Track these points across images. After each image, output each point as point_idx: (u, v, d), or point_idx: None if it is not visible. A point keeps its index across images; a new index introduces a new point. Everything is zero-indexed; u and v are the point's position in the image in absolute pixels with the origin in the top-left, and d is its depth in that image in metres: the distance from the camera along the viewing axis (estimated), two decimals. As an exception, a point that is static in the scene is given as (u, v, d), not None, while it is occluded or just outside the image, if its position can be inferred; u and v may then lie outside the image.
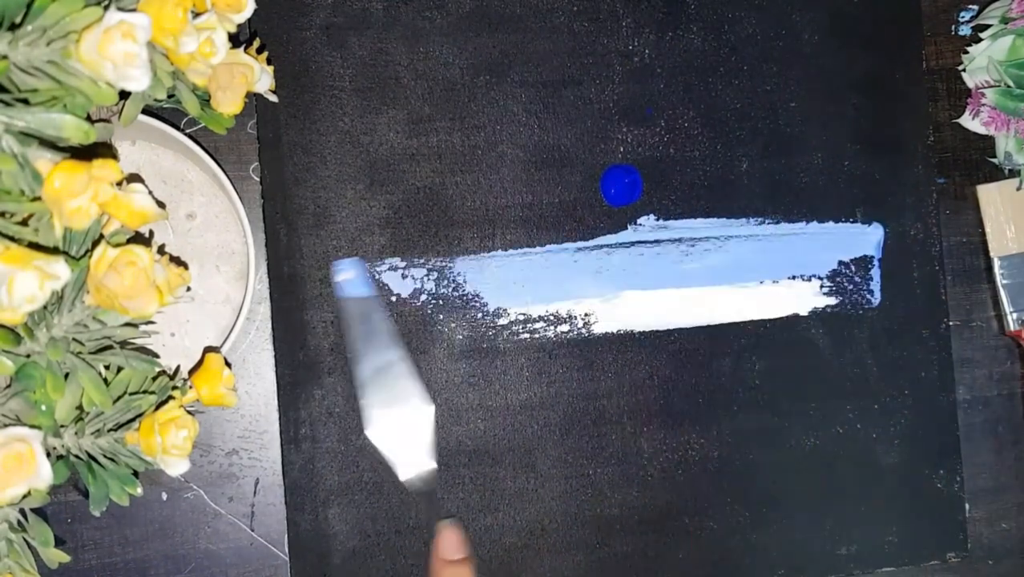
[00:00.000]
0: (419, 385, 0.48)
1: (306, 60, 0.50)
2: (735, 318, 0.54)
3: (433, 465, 0.48)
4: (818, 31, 0.56)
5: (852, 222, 0.56)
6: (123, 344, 0.40)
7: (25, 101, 0.33)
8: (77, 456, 0.40)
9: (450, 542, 0.43)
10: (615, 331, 0.53)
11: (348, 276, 0.49)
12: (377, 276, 0.50)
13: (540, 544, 0.52)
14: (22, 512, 0.39)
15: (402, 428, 0.48)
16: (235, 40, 0.40)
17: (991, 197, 0.57)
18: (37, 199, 0.33)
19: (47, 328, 0.37)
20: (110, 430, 0.40)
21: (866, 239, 0.56)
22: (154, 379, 0.42)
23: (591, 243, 0.53)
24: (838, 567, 0.55)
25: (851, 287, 0.56)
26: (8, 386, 0.37)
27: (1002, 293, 0.57)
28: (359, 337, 0.48)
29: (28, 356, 0.37)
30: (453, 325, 0.51)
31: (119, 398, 0.40)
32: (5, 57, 0.33)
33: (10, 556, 0.38)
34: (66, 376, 0.38)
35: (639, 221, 0.53)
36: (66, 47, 0.33)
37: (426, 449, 0.48)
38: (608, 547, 0.53)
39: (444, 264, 0.51)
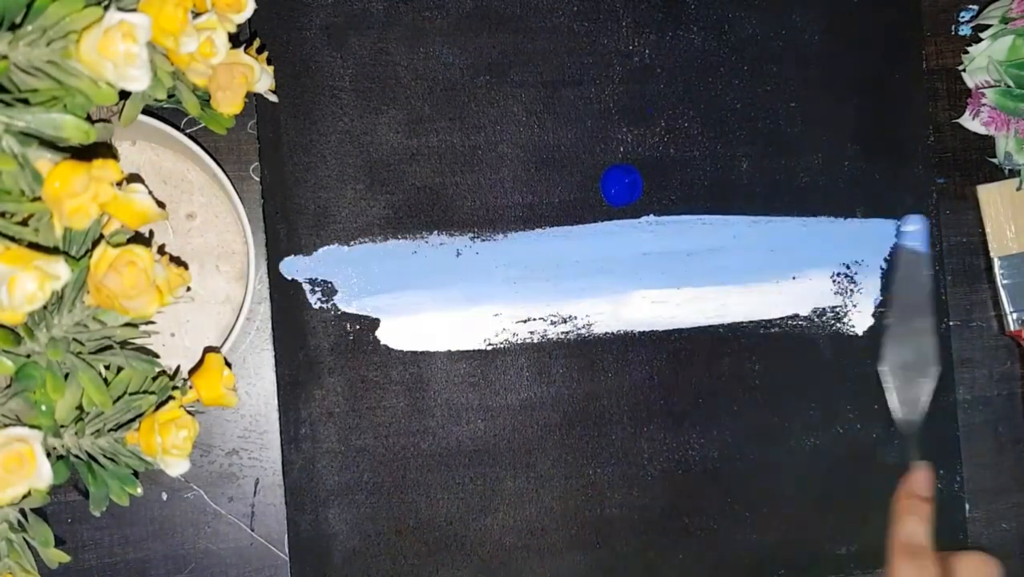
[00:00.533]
0: (932, 346, 0.52)
1: (306, 60, 0.50)
2: (735, 318, 0.54)
3: (922, 415, 0.52)
4: (818, 31, 0.56)
5: (852, 220, 0.56)
6: (123, 344, 0.40)
7: (25, 101, 0.33)
8: (77, 456, 0.40)
9: (923, 479, 0.46)
10: (615, 331, 0.53)
11: (914, 228, 0.53)
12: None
13: (540, 544, 0.52)
14: (22, 512, 0.39)
15: (909, 374, 0.52)
16: (235, 40, 0.40)
17: (991, 197, 0.57)
18: (37, 199, 0.33)
19: (47, 328, 0.37)
20: (110, 430, 0.40)
21: (866, 239, 0.56)
22: (154, 379, 0.42)
23: (591, 243, 0.53)
24: (838, 567, 0.55)
25: (851, 287, 0.56)
26: (8, 386, 0.37)
27: (1002, 293, 0.57)
28: (900, 286, 0.53)
29: (28, 356, 0.37)
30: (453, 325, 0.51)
31: (119, 398, 0.40)
32: (5, 57, 0.33)
33: (10, 556, 0.38)
34: (66, 376, 0.38)
35: (639, 221, 0.53)
36: (66, 47, 0.33)
37: (922, 400, 0.52)
38: (608, 547, 0.53)
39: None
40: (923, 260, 0.53)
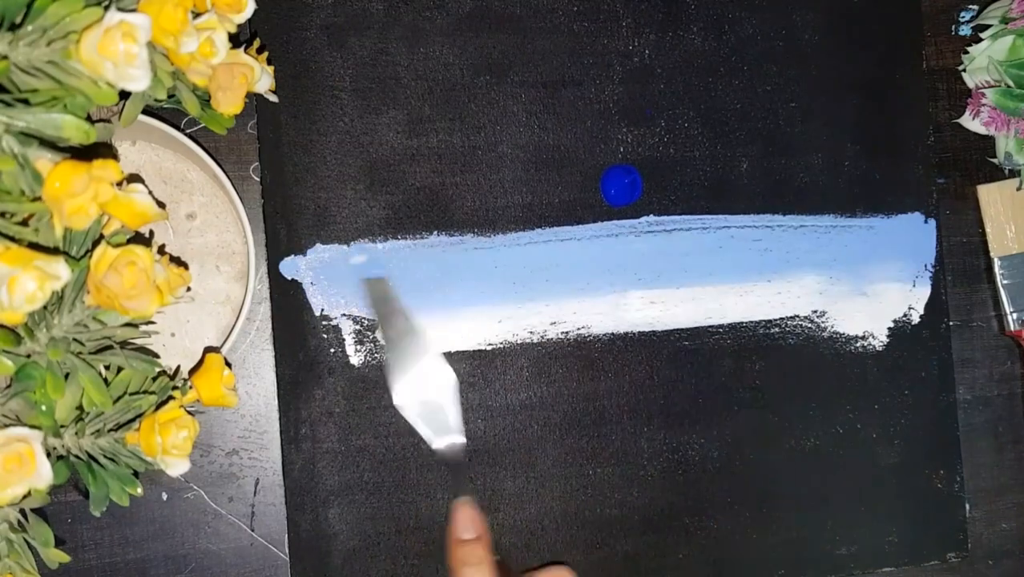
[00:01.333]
0: (441, 364, 0.48)
1: (306, 60, 0.50)
2: (735, 318, 0.54)
3: (461, 439, 0.47)
4: (818, 31, 0.56)
5: (852, 220, 0.56)
6: (123, 344, 0.40)
7: (25, 101, 0.33)
8: (77, 456, 0.40)
9: (464, 520, 0.41)
10: (615, 331, 0.53)
11: (361, 259, 0.50)
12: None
13: (540, 544, 0.52)
14: (22, 512, 0.39)
15: (427, 400, 0.48)
16: (235, 40, 0.40)
17: (991, 197, 0.57)
18: (37, 199, 0.33)
19: (47, 328, 0.37)
20: (110, 430, 0.40)
21: (866, 239, 0.56)
22: (154, 379, 0.42)
23: (591, 243, 0.53)
24: (838, 567, 0.55)
25: (851, 287, 0.56)
26: (8, 386, 0.37)
27: (1002, 293, 0.57)
28: (380, 316, 0.49)
29: (28, 356, 0.37)
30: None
31: (119, 398, 0.40)
32: (5, 57, 0.33)
33: (10, 556, 0.38)
34: (66, 376, 0.38)
35: (639, 221, 0.53)
36: (66, 47, 0.33)
37: (453, 421, 0.47)
38: (608, 547, 0.53)
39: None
40: (387, 284, 0.50)
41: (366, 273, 0.50)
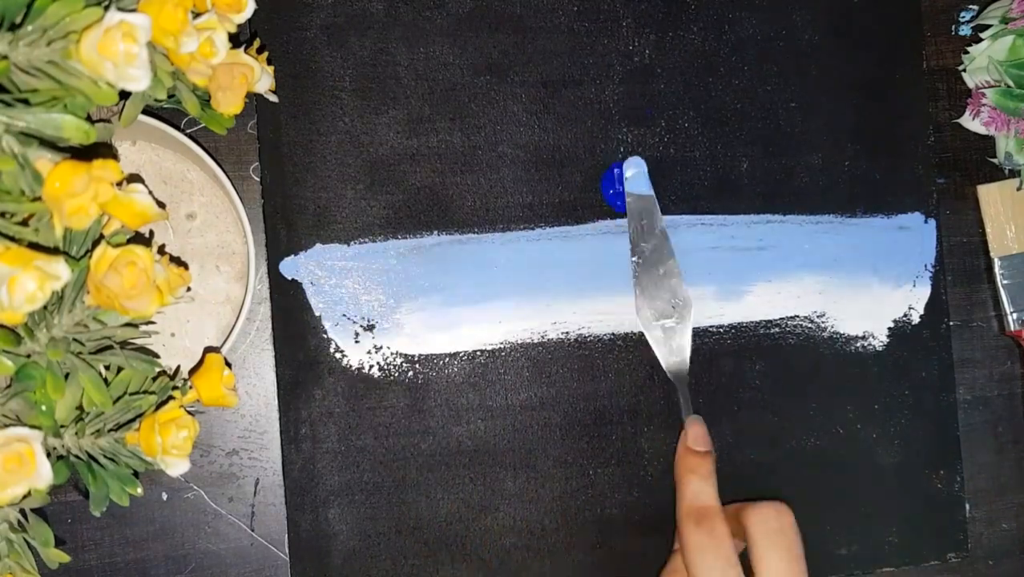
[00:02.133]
0: (682, 286, 0.52)
1: (306, 60, 0.50)
2: (735, 318, 0.54)
3: (687, 361, 0.51)
4: (818, 31, 0.56)
5: (852, 220, 0.56)
6: (123, 344, 0.40)
7: (25, 101, 0.33)
8: (77, 456, 0.40)
9: (698, 433, 0.44)
10: (615, 331, 0.53)
11: (635, 172, 0.52)
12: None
13: (540, 544, 0.52)
14: (22, 512, 0.39)
15: (665, 323, 0.51)
16: (235, 40, 0.40)
17: (992, 197, 0.57)
18: (37, 199, 0.33)
19: (47, 328, 0.37)
20: (110, 430, 0.40)
21: (866, 239, 0.56)
22: (154, 379, 0.42)
23: (592, 243, 0.53)
24: (838, 567, 0.55)
25: (851, 287, 0.56)
26: (8, 386, 0.37)
27: (1002, 293, 0.57)
28: (637, 232, 0.52)
29: (28, 356, 0.37)
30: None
31: (119, 398, 0.40)
32: (5, 57, 0.33)
33: (10, 556, 0.38)
34: (66, 376, 0.38)
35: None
36: (66, 47, 0.33)
37: (684, 345, 0.52)
38: (608, 547, 0.53)
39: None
40: (651, 202, 0.52)
41: (634, 188, 0.52)
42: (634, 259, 0.51)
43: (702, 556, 0.37)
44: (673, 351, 0.51)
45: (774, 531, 0.39)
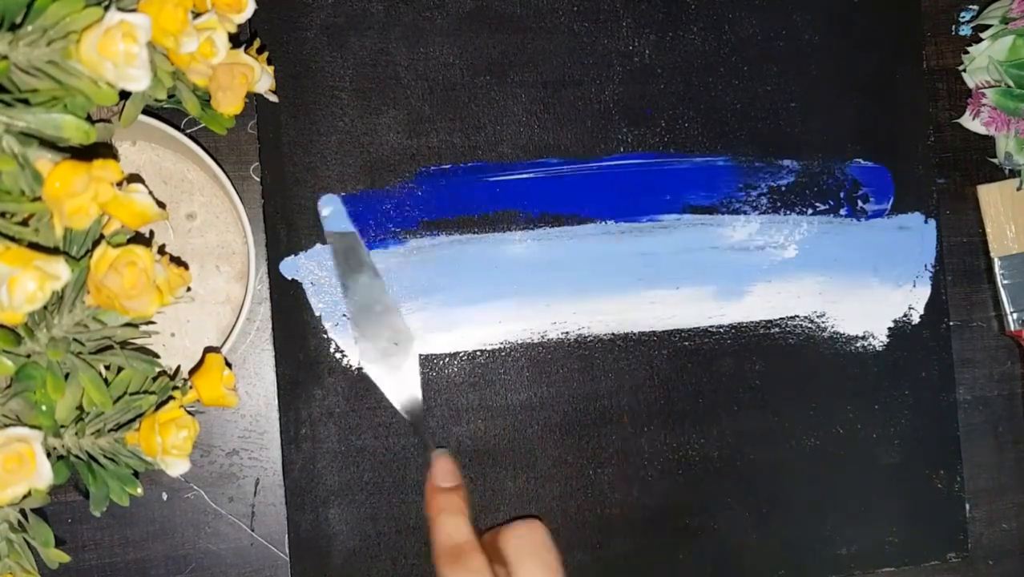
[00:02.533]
0: (400, 320, 0.50)
1: (306, 60, 0.50)
2: (735, 318, 0.54)
3: (418, 395, 0.50)
4: (818, 31, 0.56)
5: (852, 220, 0.56)
6: (123, 344, 0.40)
7: (25, 101, 0.33)
8: (77, 456, 0.40)
9: (443, 470, 0.43)
10: (615, 331, 0.53)
11: (329, 211, 0.50)
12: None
13: (540, 544, 0.52)
14: (22, 512, 0.39)
15: (389, 360, 0.49)
16: (235, 40, 0.40)
17: (992, 197, 0.57)
18: (37, 199, 0.33)
19: (47, 328, 0.37)
20: (110, 430, 0.40)
21: (866, 239, 0.56)
22: (154, 379, 0.42)
23: (592, 243, 0.53)
24: (838, 567, 0.55)
25: (851, 287, 0.56)
26: (8, 386, 0.37)
27: (1002, 293, 0.57)
28: (345, 272, 0.49)
29: (28, 356, 0.37)
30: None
31: (119, 398, 0.40)
32: (5, 57, 0.33)
33: (10, 556, 0.38)
34: (66, 376, 0.38)
35: (640, 221, 0.53)
36: (66, 47, 0.33)
37: (412, 380, 0.50)
38: (608, 547, 0.53)
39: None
40: (353, 239, 0.50)
41: (333, 227, 0.50)
42: (346, 298, 0.49)
43: None
44: (402, 386, 0.49)
45: (527, 546, 0.40)
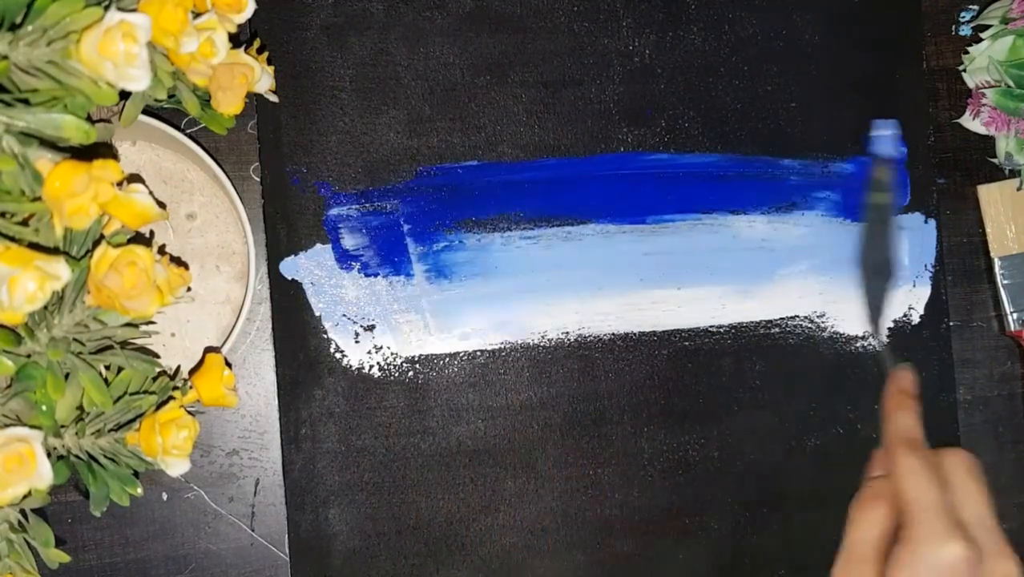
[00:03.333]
0: (897, 253, 0.51)
1: (306, 60, 0.50)
2: (735, 318, 0.54)
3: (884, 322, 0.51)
4: (818, 31, 0.56)
5: (852, 221, 0.56)
6: (123, 344, 0.40)
7: (25, 101, 0.33)
8: (77, 456, 0.40)
9: (908, 376, 0.46)
10: (615, 331, 0.53)
11: (886, 133, 0.51)
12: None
13: (540, 544, 0.52)
14: (22, 512, 0.39)
15: (880, 279, 0.50)
16: (235, 40, 0.40)
17: (992, 197, 0.57)
18: (38, 199, 0.33)
19: (47, 328, 0.37)
20: (111, 430, 0.40)
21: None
22: (154, 379, 0.42)
23: (592, 243, 0.53)
24: (838, 567, 0.55)
25: (850, 287, 0.56)
26: (9, 386, 0.37)
27: (1002, 293, 0.57)
28: (876, 191, 0.50)
29: (28, 356, 0.37)
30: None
31: (119, 398, 0.40)
32: (5, 57, 0.33)
33: (10, 556, 0.38)
34: (66, 376, 0.38)
35: (640, 221, 0.53)
36: (66, 47, 0.33)
37: (888, 304, 0.50)
38: (608, 547, 0.53)
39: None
40: (894, 166, 0.51)
41: (882, 151, 0.51)
42: (866, 212, 0.49)
43: (917, 477, 0.41)
44: (875, 306, 0.49)
45: (971, 469, 0.43)
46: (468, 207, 0.52)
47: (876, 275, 0.49)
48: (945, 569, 0.39)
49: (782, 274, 0.55)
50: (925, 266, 0.56)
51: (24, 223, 0.35)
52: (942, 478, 0.42)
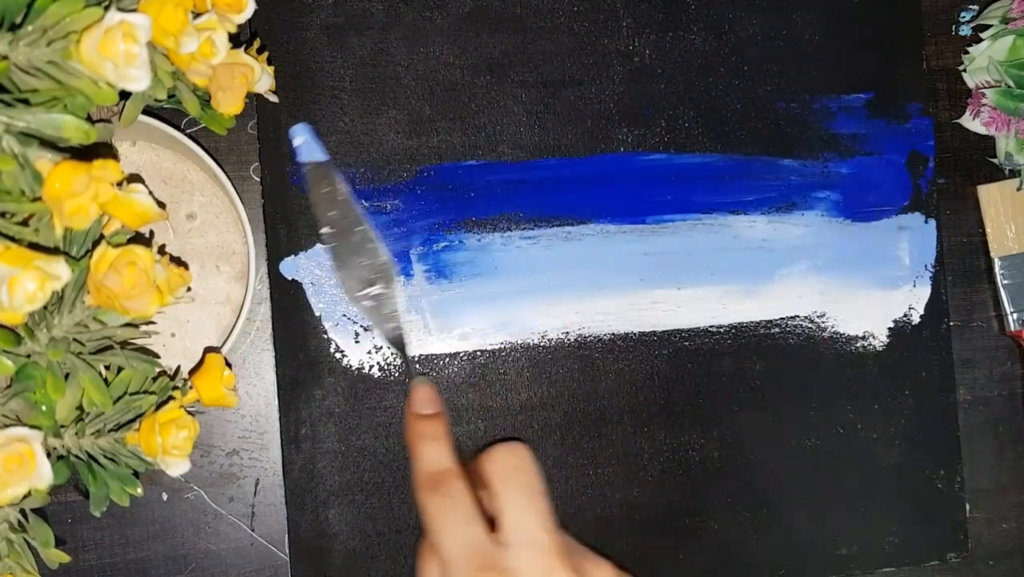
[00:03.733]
0: (381, 248, 0.48)
1: (306, 60, 0.50)
2: (735, 318, 0.54)
3: (399, 321, 0.48)
4: (818, 31, 0.56)
5: (852, 221, 0.56)
6: (123, 344, 0.40)
7: (25, 101, 0.33)
8: (77, 456, 0.40)
9: (423, 396, 0.41)
10: (615, 331, 0.53)
11: (302, 140, 0.49)
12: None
13: (540, 544, 0.52)
14: (22, 512, 0.39)
15: (370, 287, 0.48)
16: (235, 40, 0.40)
17: (992, 197, 0.57)
18: (37, 199, 0.33)
19: (47, 328, 0.37)
20: (110, 430, 0.40)
21: (866, 240, 0.56)
22: (154, 379, 0.42)
23: (593, 243, 0.53)
24: (838, 567, 0.55)
25: (850, 288, 0.56)
26: (8, 386, 0.37)
27: (1002, 293, 0.57)
28: (319, 202, 0.48)
29: (28, 356, 0.37)
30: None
31: (119, 398, 0.40)
32: (5, 57, 0.33)
33: (10, 556, 0.38)
34: (66, 376, 0.38)
35: (640, 221, 0.53)
36: (66, 47, 0.33)
37: (396, 304, 0.48)
38: (608, 547, 0.53)
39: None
40: (329, 167, 0.49)
41: (306, 157, 0.49)
42: (323, 230, 0.48)
43: (443, 519, 0.36)
44: (385, 317, 0.48)
45: (510, 470, 0.37)
46: (468, 207, 0.52)
47: (372, 285, 0.48)
48: None
49: (782, 274, 0.55)
50: (925, 266, 0.56)
51: (24, 223, 0.35)
52: (490, 493, 0.37)
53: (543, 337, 0.52)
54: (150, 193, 0.36)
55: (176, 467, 0.40)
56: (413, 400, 0.41)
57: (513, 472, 0.37)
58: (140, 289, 0.36)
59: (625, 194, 0.53)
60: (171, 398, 0.41)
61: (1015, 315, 0.57)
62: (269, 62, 0.44)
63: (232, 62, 0.40)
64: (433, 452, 0.38)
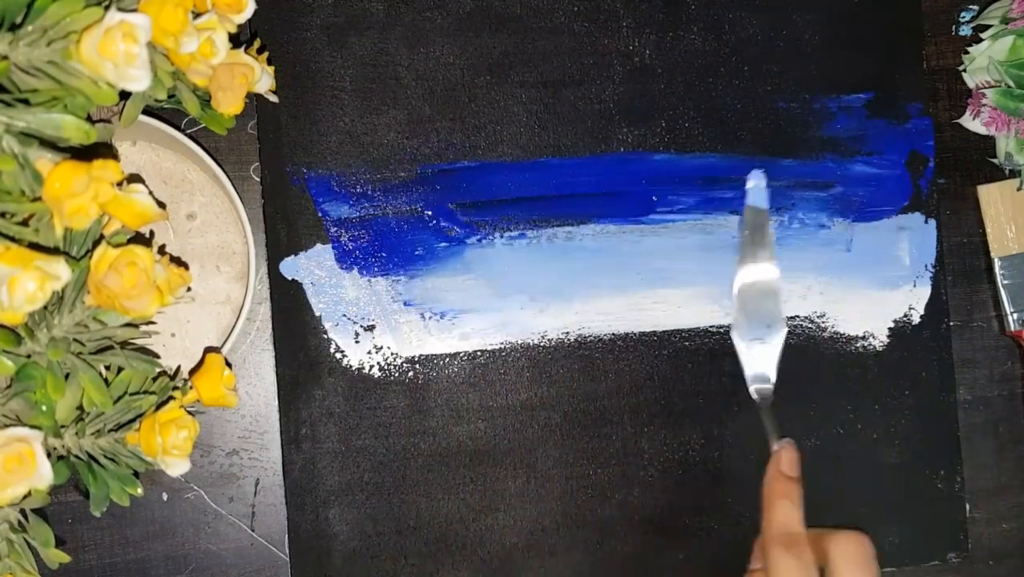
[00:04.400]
0: (777, 306, 0.51)
1: (306, 60, 0.50)
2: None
3: (771, 384, 0.51)
4: (818, 31, 0.56)
5: (852, 221, 0.56)
6: (124, 344, 0.40)
7: (25, 101, 0.33)
8: (77, 456, 0.40)
9: (790, 458, 0.45)
10: (616, 331, 0.53)
11: (754, 185, 0.52)
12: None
13: (540, 544, 0.52)
14: (22, 512, 0.39)
15: (756, 339, 0.51)
16: (235, 40, 0.40)
17: (992, 197, 0.57)
18: (38, 199, 0.33)
19: (47, 328, 0.37)
20: (111, 430, 0.40)
21: (866, 240, 0.56)
22: (155, 379, 0.42)
23: (593, 243, 0.53)
24: (838, 567, 0.55)
25: (850, 288, 0.56)
26: (8, 386, 0.37)
27: (1003, 293, 0.57)
28: (747, 246, 0.52)
29: (28, 356, 0.37)
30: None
31: (119, 398, 0.40)
32: (5, 57, 0.33)
33: (10, 556, 0.38)
34: (66, 376, 0.38)
35: (642, 221, 0.53)
36: (67, 47, 0.33)
37: (771, 364, 0.51)
38: (608, 547, 0.53)
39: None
40: (765, 217, 0.52)
41: (753, 202, 0.53)
42: (741, 269, 0.52)
43: None
44: (759, 366, 0.51)
45: (859, 558, 0.40)
46: (468, 207, 0.52)
47: (758, 335, 0.50)
48: None
49: (782, 274, 0.55)
50: (925, 266, 0.56)
51: (24, 223, 0.35)
52: (831, 571, 0.39)
53: (543, 337, 0.52)
54: (150, 193, 0.36)
55: (176, 467, 0.40)
56: (781, 460, 0.44)
57: (862, 562, 0.40)
58: (140, 289, 0.36)
59: (625, 194, 0.53)
60: (171, 398, 0.41)
61: (1015, 315, 0.57)
62: (269, 62, 0.44)
63: (232, 62, 0.40)
64: (790, 513, 0.42)
